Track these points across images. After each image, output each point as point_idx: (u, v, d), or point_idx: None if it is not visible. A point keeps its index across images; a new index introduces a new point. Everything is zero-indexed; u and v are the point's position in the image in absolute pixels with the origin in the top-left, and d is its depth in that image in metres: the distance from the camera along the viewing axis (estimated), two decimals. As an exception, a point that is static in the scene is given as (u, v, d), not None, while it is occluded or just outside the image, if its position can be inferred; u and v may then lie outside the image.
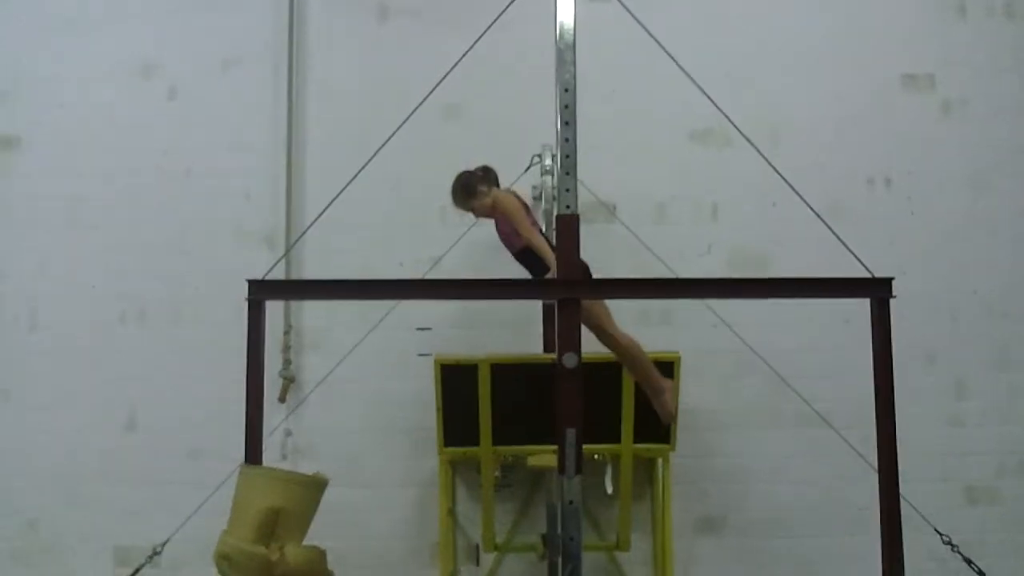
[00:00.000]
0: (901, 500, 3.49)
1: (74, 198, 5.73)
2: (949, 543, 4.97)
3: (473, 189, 4.80)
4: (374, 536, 5.45)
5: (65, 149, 5.78)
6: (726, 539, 5.43)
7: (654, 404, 4.56)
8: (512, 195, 4.79)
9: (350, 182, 4.03)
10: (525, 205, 4.77)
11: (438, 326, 5.47)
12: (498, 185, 4.88)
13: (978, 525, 5.38)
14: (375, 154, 4.04)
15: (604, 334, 4.45)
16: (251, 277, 3.61)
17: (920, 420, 5.31)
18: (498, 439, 4.82)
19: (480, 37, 4.03)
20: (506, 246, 4.80)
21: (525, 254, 4.67)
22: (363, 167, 4.04)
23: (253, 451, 3.49)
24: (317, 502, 3.62)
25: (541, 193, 5.38)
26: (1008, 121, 5.74)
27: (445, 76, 4.03)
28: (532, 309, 5.31)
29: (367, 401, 5.52)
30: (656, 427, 4.86)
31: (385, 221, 5.64)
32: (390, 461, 5.49)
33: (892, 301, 3.50)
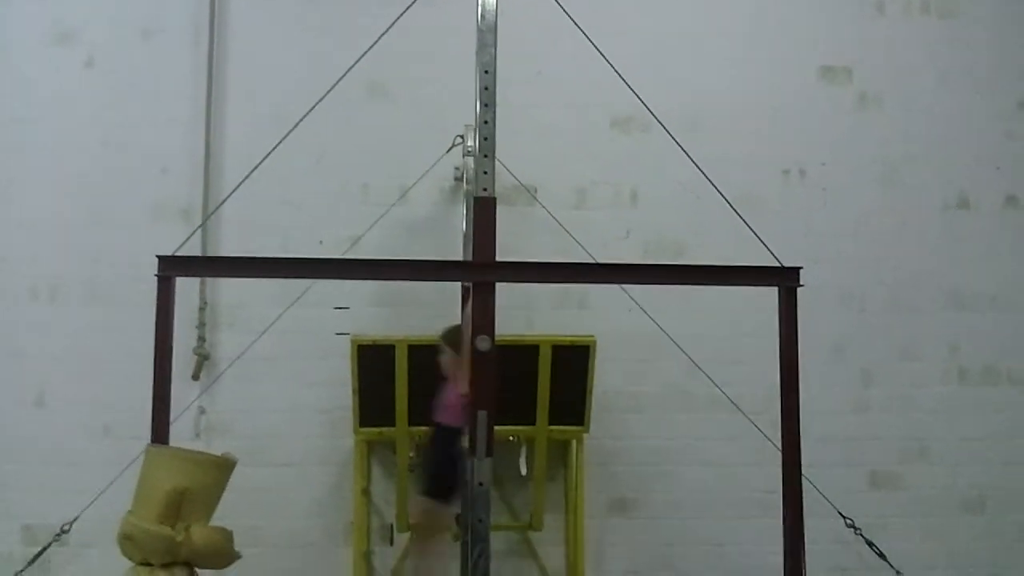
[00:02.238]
0: (806, 484, 3.59)
1: (-15, 169, 5.56)
2: (852, 526, 5.12)
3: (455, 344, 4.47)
4: (289, 515, 5.43)
5: (-23, 118, 5.60)
6: (637, 519, 5.52)
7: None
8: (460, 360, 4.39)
9: (267, 156, 3.98)
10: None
11: (357, 305, 5.45)
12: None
13: (881, 509, 5.53)
14: (293, 128, 4.00)
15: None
16: (168, 253, 3.57)
17: (827, 406, 5.45)
18: (414, 420, 4.82)
19: (403, 13, 4.02)
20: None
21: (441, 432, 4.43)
22: (280, 141, 3.99)
23: (160, 430, 3.45)
24: (224, 482, 3.59)
25: (463, 174, 5.36)
26: (921, 116, 5.88)
27: (366, 52, 4.02)
28: (451, 289, 5.30)
29: (284, 379, 5.47)
30: (571, 409, 4.92)
31: (306, 198, 5.59)
32: (306, 440, 5.46)
33: (804, 290, 3.59)
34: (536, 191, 5.53)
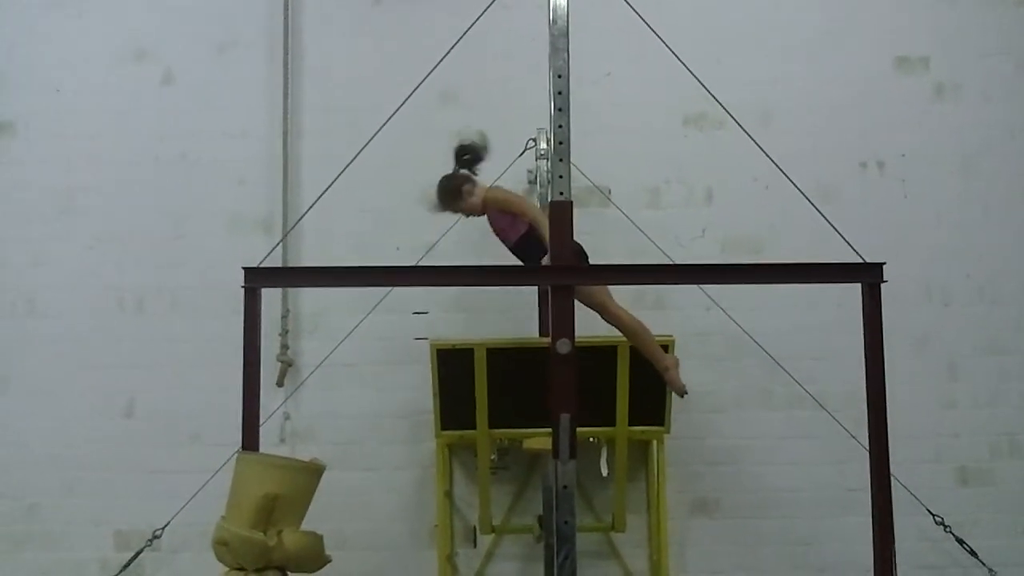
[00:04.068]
0: (893, 481, 3.53)
1: (69, 185, 5.74)
2: (942, 524, 5.05)
3: (458, 191, 4.74)
4: (373, 519, 5.49)
5: (59, 135, 5.77)
6: (720, 520, 5.47)
7: (665, 380, 4.59)
8: (498, 188, 4.77)
9: (346, 167, 4.04)
10: (513, 195, 4.76)
11: (435, 309, 5.52)
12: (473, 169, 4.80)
13: (970, 506, 5.41)
14: (370, 140, 4.06)
15: (607, 312, 4.47)
16: (248, 263, 3.65)
17: (912, 402, 5.34)
18: (494, 422, 4.85)
19: (476, 21, 4.04)
20: (502, 240, 4.77)
21: (521, 245, 4.65)
22: (359, 152, 4.05)
23: (250, 437, 3.53)
24: (314, 488, 3.66)
25: (536, 177, 5.39)
26: (1000, 104, 5.74)
27: (440, 61, 4.05)
28: (528, 293, 5.33)
29: (365, 385, 5.54)
30: (651, 410, 4.90)
31: (382, 206, 5.65)
32: (388, 444, 5.52)
33: (886, 284, 3.54)
34: (610, 192, 5.52)
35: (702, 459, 5.48)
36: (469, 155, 4.79)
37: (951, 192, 5.68)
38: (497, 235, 4.78)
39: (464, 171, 4.78)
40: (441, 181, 4.79)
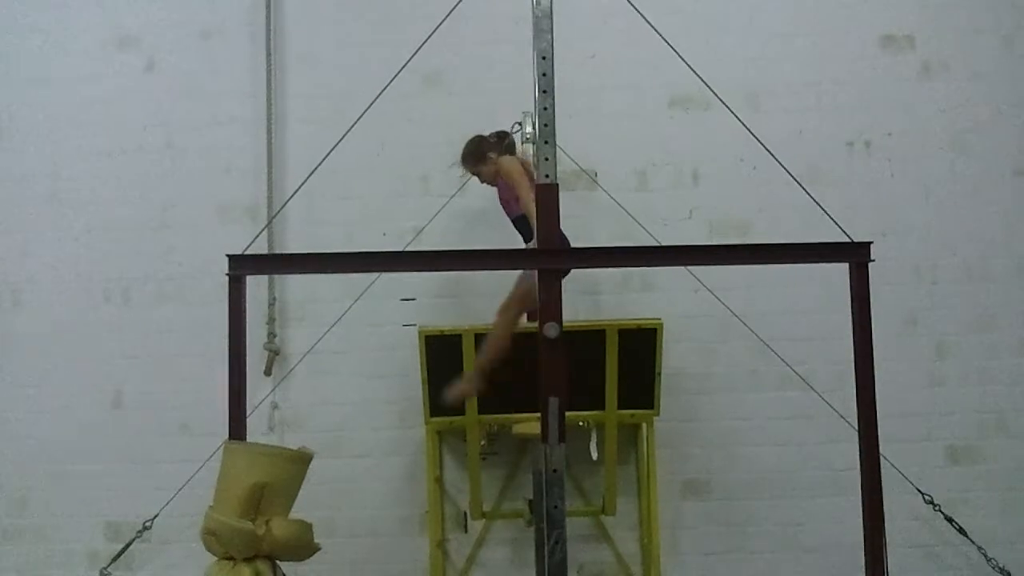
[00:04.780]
0: (882, 460, 3.54)
1: (54, 175, 5.69)
2: (931, 502, 5.08)
3: (482, 155, 4.82)
4: (363, 506, 5.48)
5: (43, 125, 5.72)
6: (710, 502, 5.47)
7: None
8: (517, 161, 4.77)
9: (330, 152, 4.04)
10: (530, 174, 4.76)
11: (422, 296, 5.49)
12: (513, 152, 4.86)
13: (960, 484, 5.41)
14: (354, 123, 4.05)
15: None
16: (234, 251, 3.63)
17: (901, 381, 5.34)
18: (483, 408, 4.84)
19: (458, 2, 4.01)
20: (505, 212, 4.82)
21: (521, 221, 4.68)
22: (343, 136, 4.05)
23: (237, 426, 3.52)
24: (302, 476, 3.65)
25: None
26: (987, 81, 5.72)
27: (424, 42, 4.04)
28: (515, 277, 5.30)
29: (353, 372, 5.52)
30: (640, 393, 4.89)
31: (368, 191, 5.62)
32: (377, 431, 5.51)
33: (874, 263, 3.54)
34: (596, 175, 5.51)
35: (692, 441, 5.48)
36: (510, 140, 4.86)
37: (938, 171, 5.66)
38: (502, 205, 4.82)
39: (496, 137, 4.84)
40: (471, 140, 4.86)
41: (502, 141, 4.86)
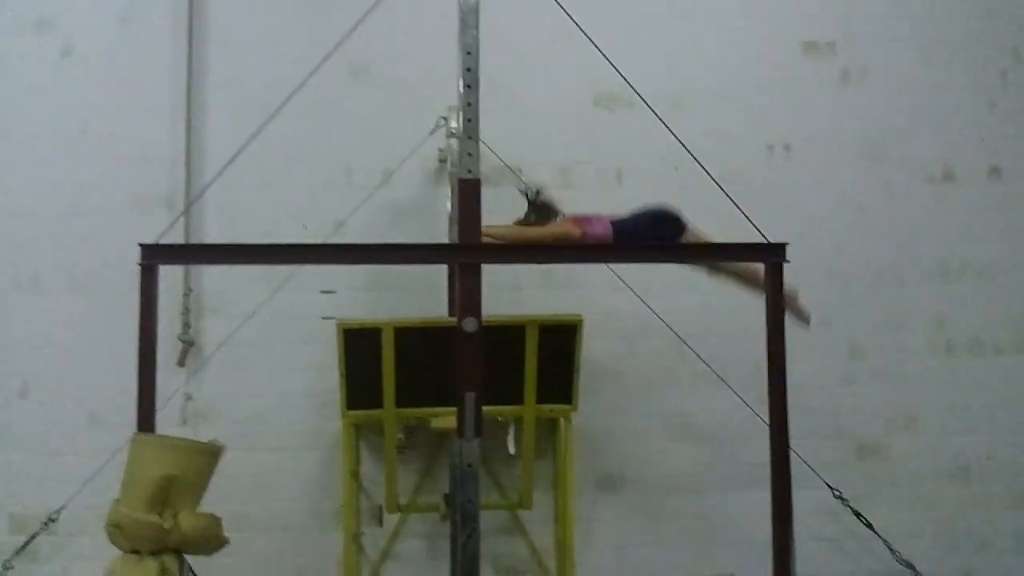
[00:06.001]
0: (793, 455, 3.61)
1: (-37, 158, 5.51)
2: (840, 497, 5.18)
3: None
4: (278, 499, 5.43)
5: (-47, 107, 5.54)
6: (626, 496, 5.54)
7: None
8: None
9: (248, 141, 3.96)
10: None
11: (343, 289, 5.42)
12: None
13: (868, 480, 5.58)
14: (274, 114, 3.98)
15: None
16: (149, 241, 3.55)
17: (814, 380, 5.47)
18: (401, 402, 4.81)
19: (383, -6, 3.99)
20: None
21: (616, 236, 4.48)
22: (263, 125, 3.97)
23: (146, 418, 3.46)
24: (212, 469, 3.59)
25: (448, 156, 5.34)
26: (905, 89, 5.87)
27: (348, 33, 3.99)
28: (437, 271, 5.29)
29: (270, 364, 5.46)
30: (558, 388, 4.93)
31: (290, 183, 5.55)
32: (293, 425, 5.45)
33: (789, 264, 3.60)
34: (520, 171, 5.50)
35: (608, 436, 5.53)
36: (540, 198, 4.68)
37: (855, 175, 5.80)
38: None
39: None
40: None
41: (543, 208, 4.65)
